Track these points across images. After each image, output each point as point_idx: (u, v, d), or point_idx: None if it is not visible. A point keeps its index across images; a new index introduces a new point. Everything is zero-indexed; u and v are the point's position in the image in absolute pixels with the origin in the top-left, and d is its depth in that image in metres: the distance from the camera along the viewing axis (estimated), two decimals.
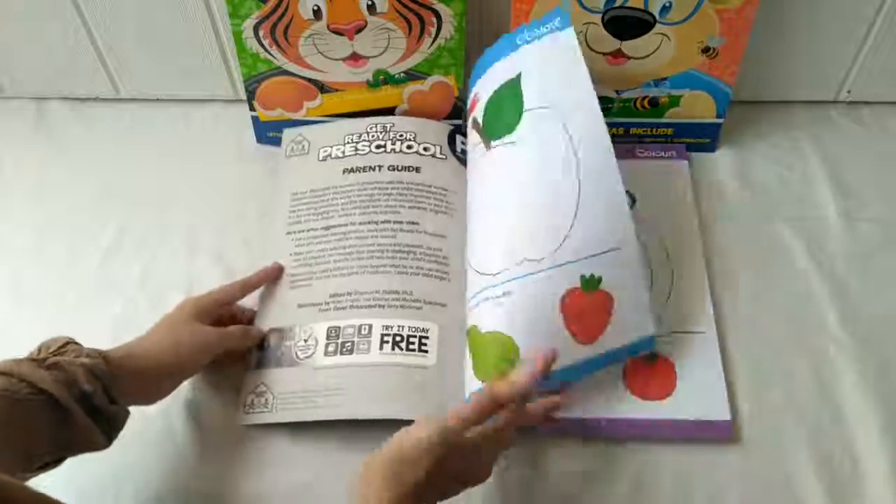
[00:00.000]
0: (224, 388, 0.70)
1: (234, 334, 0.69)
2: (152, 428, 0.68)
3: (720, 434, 0.67)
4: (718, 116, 0.84)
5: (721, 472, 0.66)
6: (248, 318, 0.73)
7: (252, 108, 0.85)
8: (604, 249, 0.65)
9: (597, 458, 0.67)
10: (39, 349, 0.58)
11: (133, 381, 0.60)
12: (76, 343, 0.59)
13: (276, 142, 0.86)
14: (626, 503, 0.65)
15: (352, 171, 0.80)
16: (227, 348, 0.69)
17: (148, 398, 0.63)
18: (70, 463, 0.58)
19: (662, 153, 0.85)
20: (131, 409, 0.61)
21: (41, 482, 0.55)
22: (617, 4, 0.74)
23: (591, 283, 0.65)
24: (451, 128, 0.84)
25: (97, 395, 0.56)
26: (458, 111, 0.85)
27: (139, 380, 0.61)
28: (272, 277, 0.75)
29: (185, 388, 0.70)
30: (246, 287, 0.73)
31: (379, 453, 0.55)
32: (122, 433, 0.60)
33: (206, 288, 0.75)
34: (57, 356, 0.57)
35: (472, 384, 0.66)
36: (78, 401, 0.55)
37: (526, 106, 0.70)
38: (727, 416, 0.67)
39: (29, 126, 0.91)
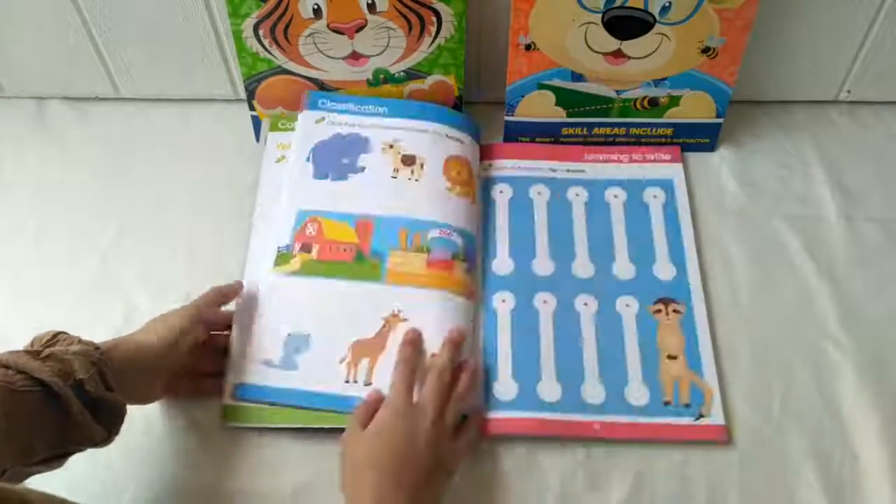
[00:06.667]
0: None
1: (208, 295, 0.70)
2: (151, 431, 0.68)
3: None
4: (718, 116, 0.83)
5: (720, 473, 0.66)
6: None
7: (252, 108, 0.85)
8: None
9: (597, 459, 0.67)
10: (32, 342, 0.59)
11: (127, 365, 0.60)
12: (66, 333, 0.60)
13: None
14: (627, 503, 0.65)
15: None
16: (207, 316, 0.69)
17: (143, 388, 0.64)
18: (71, 467, 0.58)
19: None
20: (130, 412, 0.61)
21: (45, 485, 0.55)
22: (617, 4, 0.74)
23: None
24: None
25: (92, 381, 0.56)
26: (457, 110, 0.85)
27: (132, 363, 0.61)
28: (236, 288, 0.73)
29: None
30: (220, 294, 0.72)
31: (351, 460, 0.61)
32: (120, 436, 0.60)
33: (205, 287, 0.76)
34: (50, 347, 0.57)
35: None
36: (74, 391, 0.55)
37: None
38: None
39: (29, 126, 0.91)
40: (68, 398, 0.55)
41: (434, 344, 0.70)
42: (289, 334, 0.71)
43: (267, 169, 0.82)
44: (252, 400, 0.68)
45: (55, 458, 0.57)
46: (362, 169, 0.79)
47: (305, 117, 0.82)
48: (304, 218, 0.76)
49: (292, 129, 0.83)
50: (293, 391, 0.68)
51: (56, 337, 0.59)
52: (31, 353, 0.56)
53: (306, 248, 0.74)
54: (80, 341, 0.59)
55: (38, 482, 0.56)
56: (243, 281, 0.74)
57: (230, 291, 0.72)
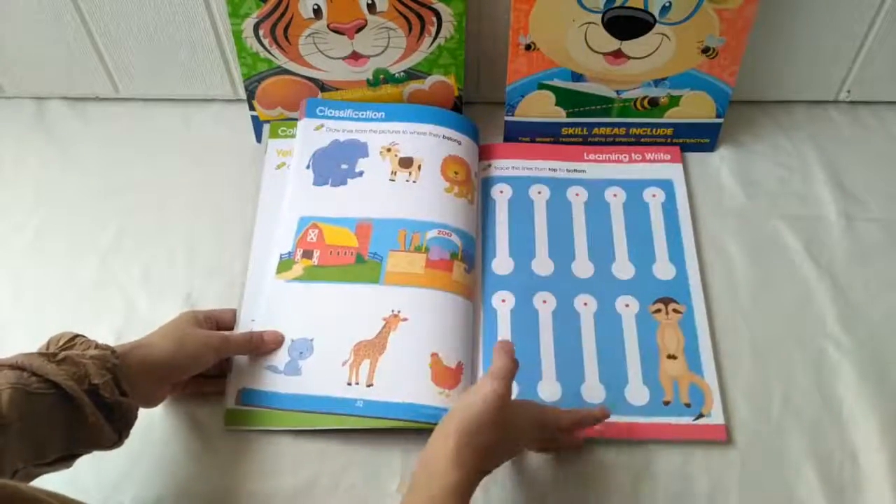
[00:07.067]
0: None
1: (238, 339, 0.70)
2: (153, 432, 0.68)
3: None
4: (718, 116, 0.83)
5: (720, 473, 0.66)
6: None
7: (252, 108, 0.85)
8: None
9: (597, 459, 0.67)
10: (48, 344, 0.59)
11: (141, 372, 0.60)
12: (84, 337, 0.60)
13: None
14: (626, 503, 0.65)
15: None
16: (229, 353, 0.69)
17: (152, 394, 0.64)
18: (74, 468, 0.58)
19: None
20: None
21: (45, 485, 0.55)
22: (617, 4, 0.74)
23: None
24: None
25: (107, 386, 0.56)
26: (457, 110, 0.85)
27: (147, 371, 0.61)
28: (270, 343, 0.71)
29: None
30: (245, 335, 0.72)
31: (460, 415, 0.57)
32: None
33: (204, 287, 0.76)
34: (66, 350, 0.57)
35: None
36: (88, 395, 0.55)
37: None
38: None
39: (29, 126, 0.91)
40: (82, 402, 0.55)
41: (432, 343, 0.70)
42: (293, 340, 0.71)
43: (268, 175, 0.82)
44: (256, 405, 0.68)
45: (65, 460, 0.57)
46: (361, 173, 0.79)
47: (304, 125, 0.82)
48: (305, 224, 0.76)
49: (292, 136, 0.83)
50: (297, 396, 0.68)
51: (73, 340, 0.59)
52: (46, 355, 0.56)
53: (308, 255, 0.75)
54: (97, 346, 0.59)
55: (41, 482, 0.56)
56: (246, 283, 0.75)
57: (261, 344, 0.70)
